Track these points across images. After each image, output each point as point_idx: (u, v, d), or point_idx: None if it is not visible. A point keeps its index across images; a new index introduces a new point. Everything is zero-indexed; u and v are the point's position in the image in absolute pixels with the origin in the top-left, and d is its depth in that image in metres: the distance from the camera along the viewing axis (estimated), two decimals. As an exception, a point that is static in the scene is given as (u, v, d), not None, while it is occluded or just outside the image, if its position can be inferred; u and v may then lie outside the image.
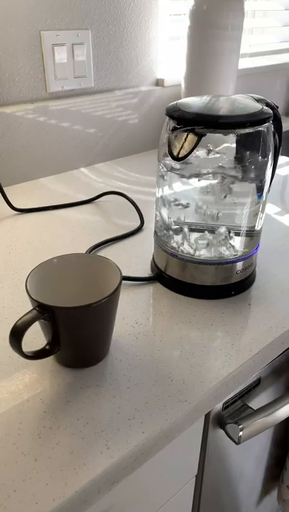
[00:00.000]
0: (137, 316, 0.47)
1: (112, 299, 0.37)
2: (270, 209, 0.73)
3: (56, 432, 0.35)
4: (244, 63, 1.12)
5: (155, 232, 0.53)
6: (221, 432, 0.50)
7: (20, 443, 0.34)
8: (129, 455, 0.34)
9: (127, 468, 0.34)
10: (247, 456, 0.60)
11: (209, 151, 0.46)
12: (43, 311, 0.35)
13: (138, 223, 0.67)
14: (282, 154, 1.14)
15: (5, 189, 0.77)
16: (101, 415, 0.36)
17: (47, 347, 0.38)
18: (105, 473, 0.32)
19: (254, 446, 0.61)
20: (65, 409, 0.37)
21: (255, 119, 0.43)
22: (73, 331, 0.37)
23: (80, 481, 0.31)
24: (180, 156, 0.43)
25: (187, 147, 0.43)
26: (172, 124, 0.44)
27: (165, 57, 0.94)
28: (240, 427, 0.46)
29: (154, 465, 0.43)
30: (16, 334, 0.34)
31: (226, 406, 0.49)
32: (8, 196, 0.73)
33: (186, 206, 0.48)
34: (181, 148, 0.43)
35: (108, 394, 0.38)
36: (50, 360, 0.41)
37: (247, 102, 0.47)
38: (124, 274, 0.54)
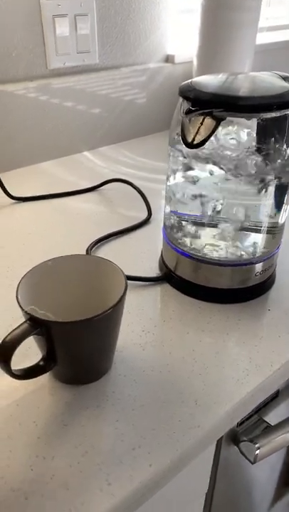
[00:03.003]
0: (143, 323, 0.43)
1: (116, 310, 0.32)
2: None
3: (51, 463, 0.30)
4: (261, 38, 1.04)
5: (164, 226, 0.48)
6: (235, 448, 0.45)
7: (9, 476, 0.30)
8: (134, 492, 0.29)
9: (130, 508, 0.30)
10: (260, 469, 0.56)
11: (228, 136, 0.40)
12: (36, 325, 0.30)
13: (145, 214, 0.61)
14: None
15: (1, 175, 0.72)
16: (102, 443, 0.32)
17: (41, 363, 0.34)
18: (106, 514, 0.28)
19: (268, 458, 0.57)
20: (61, 435, 0.32)
21: (283, 101, 0.37)
22: (71, 346, 0.32)
23: (77, 525, 0.27)
24: (195, 142, 0.38)
25: (203, 133, 0.37)
26: (186, 105, 0.38)
27: (176, 31, 0.87)
28: (257, 445, 0.42)
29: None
30: (4, 352, 0.30)
31: (241, 422, 0.44)
32: (4, 183, 0.68)
33: (200, 198, 0.42)
34: (197, 133, 0.38)
35: (110, 417, 0.34)
36: (46, 375, 0.37)
37: (272, 80, 0.41)
38: (129, 272, 0.49)
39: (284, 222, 0.45)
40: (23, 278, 0.34)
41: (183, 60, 0.88)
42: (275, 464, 0.61)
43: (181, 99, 0.40)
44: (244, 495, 0.57)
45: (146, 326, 0.42)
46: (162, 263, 0.49)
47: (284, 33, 1.13)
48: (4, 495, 0.29)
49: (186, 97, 0.38)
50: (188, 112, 0.37)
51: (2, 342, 0.30)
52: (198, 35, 0.78)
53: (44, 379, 0.36)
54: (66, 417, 0.34)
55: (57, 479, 0.30)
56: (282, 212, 0.43)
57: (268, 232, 0.43)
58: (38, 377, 0.36)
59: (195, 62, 0.82)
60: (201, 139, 0.37)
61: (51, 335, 0.31)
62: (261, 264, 0.44)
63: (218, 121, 0.37)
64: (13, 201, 0.64)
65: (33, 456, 0.31)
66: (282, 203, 0.43)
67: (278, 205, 0.42)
